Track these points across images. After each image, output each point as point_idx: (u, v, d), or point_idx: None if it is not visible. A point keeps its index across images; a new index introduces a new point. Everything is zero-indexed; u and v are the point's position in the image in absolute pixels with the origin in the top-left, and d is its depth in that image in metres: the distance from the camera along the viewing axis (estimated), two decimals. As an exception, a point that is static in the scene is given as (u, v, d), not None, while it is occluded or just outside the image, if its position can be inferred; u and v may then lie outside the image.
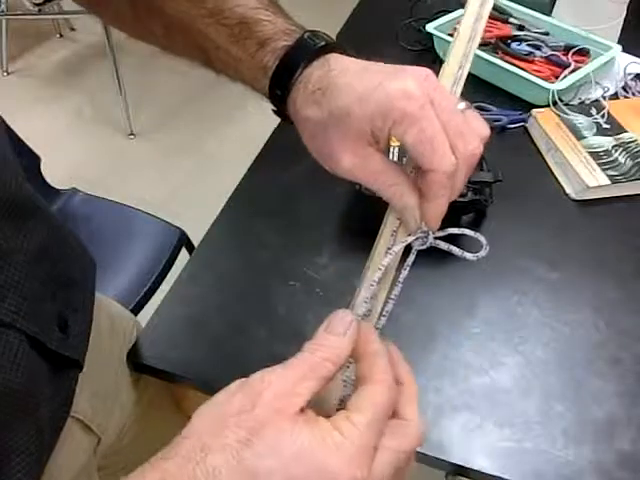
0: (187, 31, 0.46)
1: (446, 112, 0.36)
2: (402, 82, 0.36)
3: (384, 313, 0.39)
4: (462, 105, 0.39)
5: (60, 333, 0.47)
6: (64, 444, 0.51)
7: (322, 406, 0.35)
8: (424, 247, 0.39)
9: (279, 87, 0.42)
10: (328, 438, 0.30)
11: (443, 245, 0.39)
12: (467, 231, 0.39)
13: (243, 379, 0.33)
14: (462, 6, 1.14)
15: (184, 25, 0.46)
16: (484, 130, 0.38)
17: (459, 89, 0.41)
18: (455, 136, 0.36)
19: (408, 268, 0.39)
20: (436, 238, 0.39)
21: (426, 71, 0.38)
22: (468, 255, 0.39)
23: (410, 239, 0.38)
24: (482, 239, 0.39)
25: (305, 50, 0.42)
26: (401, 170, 0.38)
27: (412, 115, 0.35)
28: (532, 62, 0.96)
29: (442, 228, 0.39)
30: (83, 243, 0.58)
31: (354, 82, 0.38)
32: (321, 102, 0.39)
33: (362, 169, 0.38)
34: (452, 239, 0.39)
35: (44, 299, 0.46)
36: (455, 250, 0.39)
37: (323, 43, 0.43)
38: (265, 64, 0.43)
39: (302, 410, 0.31)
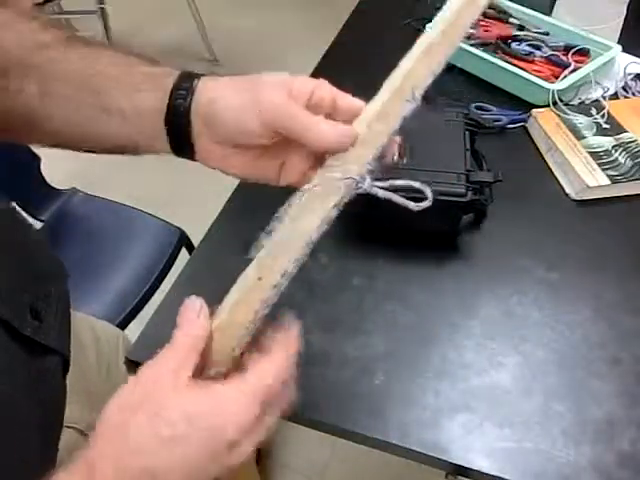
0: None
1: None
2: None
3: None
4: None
5: (34, 321, 0.47)
6: (64, 455, 0.50)
7: (221, 362, 0.41)
8: (359, 191, 0.39)
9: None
10: (213, 392, 0.36)
11: (381, 192, 0.39)
12: (414, 183, 0.39)
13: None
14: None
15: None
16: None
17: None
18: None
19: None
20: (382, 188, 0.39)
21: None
22: (411, 204, 0.38)
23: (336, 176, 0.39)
24: (427, 191, 0.39)
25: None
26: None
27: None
28: (532, 62, 0.96)
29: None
30: (47, 245, 0.57)
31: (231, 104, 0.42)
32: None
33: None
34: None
35: (15, 289, 0.46)
36: (396, 198, 0.38)
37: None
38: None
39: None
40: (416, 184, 0.38)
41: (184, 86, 0.42)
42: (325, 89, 0.42)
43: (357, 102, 0.43)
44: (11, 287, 0.45)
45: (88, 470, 0.35)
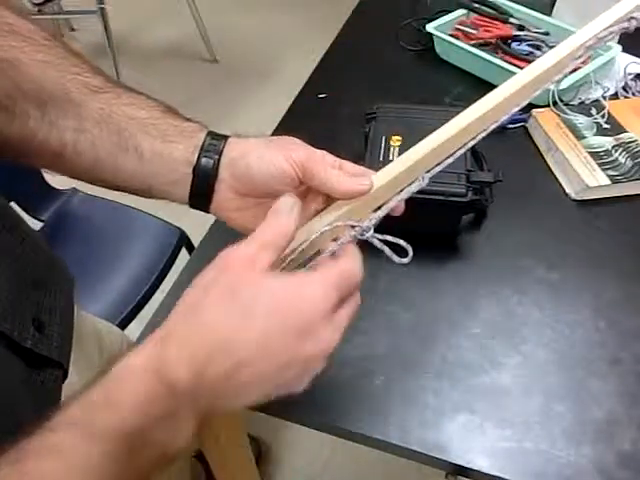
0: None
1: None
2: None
3: None
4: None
5: (36, 332, 0.47)
6: None
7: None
8: (361, 238, 0.44)
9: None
10: (289, 277, 0.38)
11: (377, 243, 0.44)
12: (401, 241, 0.44)
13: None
14: (462, 6, 1.13)
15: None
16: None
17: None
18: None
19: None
20: (380, 240, 0.44)
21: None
22: (395, 258, 0.44)
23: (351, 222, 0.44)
24: (408, 248, 0.44)
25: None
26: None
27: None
28: (532, 62, 0.96)
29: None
30: (53, 251, 0.57)
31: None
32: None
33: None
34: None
35: (16, 299, 0.46)
36: (386, 250, 0.44)
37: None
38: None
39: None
40: (401, 242, 0.44)
41: (214, 142, 0.47)
42: (331, 156, 0.47)
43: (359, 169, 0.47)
44: (12, 297, 0.45)
45: (160, 345, 0.35)
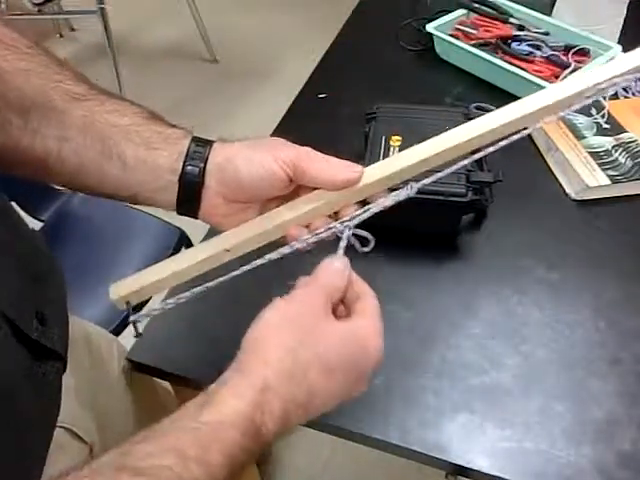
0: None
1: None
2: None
3: None
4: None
5: (39, 325, 0.47)
6: (54, 454, 0.50)
7: None
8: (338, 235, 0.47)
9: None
10: (353, 324, 0.43)
11: (350, 239, 0.47)
12: (364, 233, 0.47)
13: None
14: (462, 6, 1.13)
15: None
16: None
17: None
18: None
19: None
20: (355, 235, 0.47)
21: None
22: (358, 246, 0.47)
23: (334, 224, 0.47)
24: (369, 235, 0.47)
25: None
26: None
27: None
28: (532, 62, 0.96)
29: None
30: (52, 252, 0.58)
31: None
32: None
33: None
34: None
35: (20, 291, 0.46)
36: (356, 243, 0.47)
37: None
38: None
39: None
40: (365, 233, 0.47)
41: (199, 149, 0.47)
42: (315, 152, 0.47)
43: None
44: (16, 289, 0.45)
45: (262, 397, 0.39)
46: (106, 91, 0.48)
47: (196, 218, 0.49)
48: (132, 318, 0.49)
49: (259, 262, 0.47)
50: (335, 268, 0.45)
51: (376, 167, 0.47)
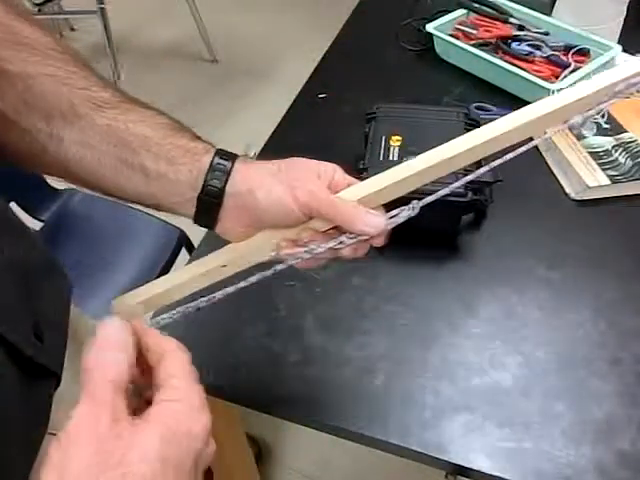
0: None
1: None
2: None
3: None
4: None
5: (37, 341, 0.46)
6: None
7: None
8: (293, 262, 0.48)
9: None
10: (165, 417, 0.35)
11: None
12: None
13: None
14: (462, 6, 1.13)
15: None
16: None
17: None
18: None
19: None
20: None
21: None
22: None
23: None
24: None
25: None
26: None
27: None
28: (532, 62, 0.96)
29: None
30: (55, 256, 0.57)
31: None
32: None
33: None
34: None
35: (20, 308, 0.45)
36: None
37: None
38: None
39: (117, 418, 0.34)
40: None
41: (220, 168, 0.46)
42: (340, 173, 0.48)
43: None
44: (12, 304, 0.45)
45: None
46: (132, 98, 0.49)
47: (214, 230, 0.50)
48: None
49: (254, 279, 0.49)
50: (107, 356, 0.37)
51: (369, 183, 0.46)
